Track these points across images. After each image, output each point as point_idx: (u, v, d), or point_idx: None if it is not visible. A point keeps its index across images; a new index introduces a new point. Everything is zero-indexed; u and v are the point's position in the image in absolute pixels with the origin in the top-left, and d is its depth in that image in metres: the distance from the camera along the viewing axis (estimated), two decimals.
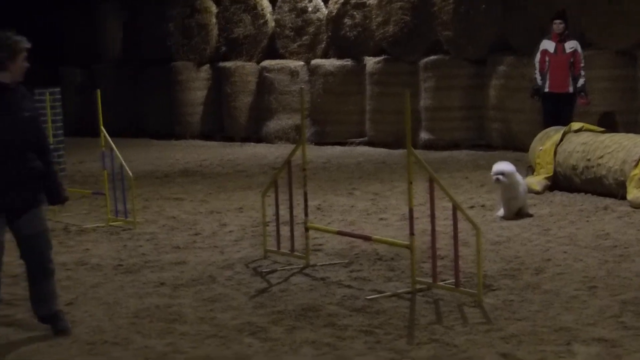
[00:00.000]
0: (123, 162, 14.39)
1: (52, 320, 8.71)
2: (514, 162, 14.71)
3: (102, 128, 14.89)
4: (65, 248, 12.61)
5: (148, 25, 27.92)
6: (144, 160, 21.52)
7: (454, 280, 9.59)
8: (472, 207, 13.96)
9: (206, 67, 26.80)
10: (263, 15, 25.49)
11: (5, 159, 8.17)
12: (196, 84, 26.87)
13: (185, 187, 18.17)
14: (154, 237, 13.35)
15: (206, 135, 26.66)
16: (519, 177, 13.60)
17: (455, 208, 9.42)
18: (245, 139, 25.46)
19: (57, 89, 17.80)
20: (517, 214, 13.38)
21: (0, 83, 8.28)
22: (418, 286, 9.59)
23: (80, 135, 24.99)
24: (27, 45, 8.55)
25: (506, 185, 13.24)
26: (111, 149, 14.44)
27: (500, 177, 13.22)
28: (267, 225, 11.81)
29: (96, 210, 15.51)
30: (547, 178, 15.70)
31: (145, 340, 8.50)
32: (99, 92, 15.30)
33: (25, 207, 8.39)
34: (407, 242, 9.59)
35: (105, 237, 13.54)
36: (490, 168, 13.75)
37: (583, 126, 16.25)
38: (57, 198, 8.86)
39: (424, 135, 22.22)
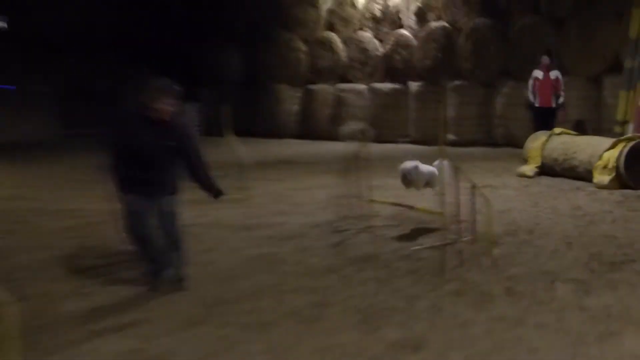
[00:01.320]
0: (240, 153, 14.52)
1: (176, 283, 8.16)
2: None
3: (229, 131, 15.04)
4: (202, 212, 12.75)
5: (260, 57, 27.95)
6: (256, 153, 21.61)
7: (472, 237, 9.65)
8: (484, 186, 13.90)
9: (299, 88, 26.87)
10: (338, 53, 25.53)
11: (154, 169, 7.90)
12: (292, 100, 26.99)
13: (285, 171, 18.30)
14: (263, 205, 13.49)
15: (299, 136, 26.73)
16: (423, 168, 11.02)
17: (473, 187, 9.47)
18: (325, 139, 25.49)
19: (197, 104, 17.99)
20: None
21: (147, 117, 7.81)
22: (447, 241, 9.61)
23: (210, 135, 25.13)
24: (169, 89, 7.84)
25: (414, 179, 11.01)
26: (232, 145, 14.58)
27: (408, 175, 10.98)
28: (342, 198, 11.86)
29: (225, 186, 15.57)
30: (536, 167, 15.70)
31: (259, 275, 8.65)
32: (227, 108, 15.38)
33: (167, 194, 8.10)
34: (440, 210, 9.63)
35: (230, 206, 13.62)
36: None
37: (562, 131, 16.23)
38: (214, 193, 8.34)
39: (450, 136, 22.16)
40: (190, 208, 13.10)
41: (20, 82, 29.26)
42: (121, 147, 7.87)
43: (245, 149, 14.96)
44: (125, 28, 29.25)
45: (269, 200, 14.12)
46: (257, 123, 27.27)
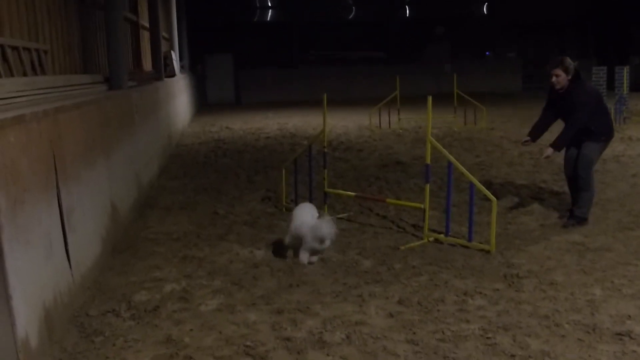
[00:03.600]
0: None
1: (577, 220, 6.50)
2: None
3: None
4: (629, 147, 11.47)
5: None
6: None
7: None
8: None
9: None
10: None
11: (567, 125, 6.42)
12: None
13: None
14: None
15: None
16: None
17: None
18: None
19: (628, 66, 16.10)
20: None
21: (554, 88, 6.46)
22: None
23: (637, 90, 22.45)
24: (557, 65, 6.29)
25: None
26: None
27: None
28: None
29: None
30: None
31: None
32: None
33: (587, 141, 6.42)
34: None
35: None
36: None
37: None
38: (554, 144, 6.34)
39: None
40: (621, 143, 12.03)
41: (494, 49, 30.96)
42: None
43: None
44: (580, 16, 28.51)
45: None
46: None
